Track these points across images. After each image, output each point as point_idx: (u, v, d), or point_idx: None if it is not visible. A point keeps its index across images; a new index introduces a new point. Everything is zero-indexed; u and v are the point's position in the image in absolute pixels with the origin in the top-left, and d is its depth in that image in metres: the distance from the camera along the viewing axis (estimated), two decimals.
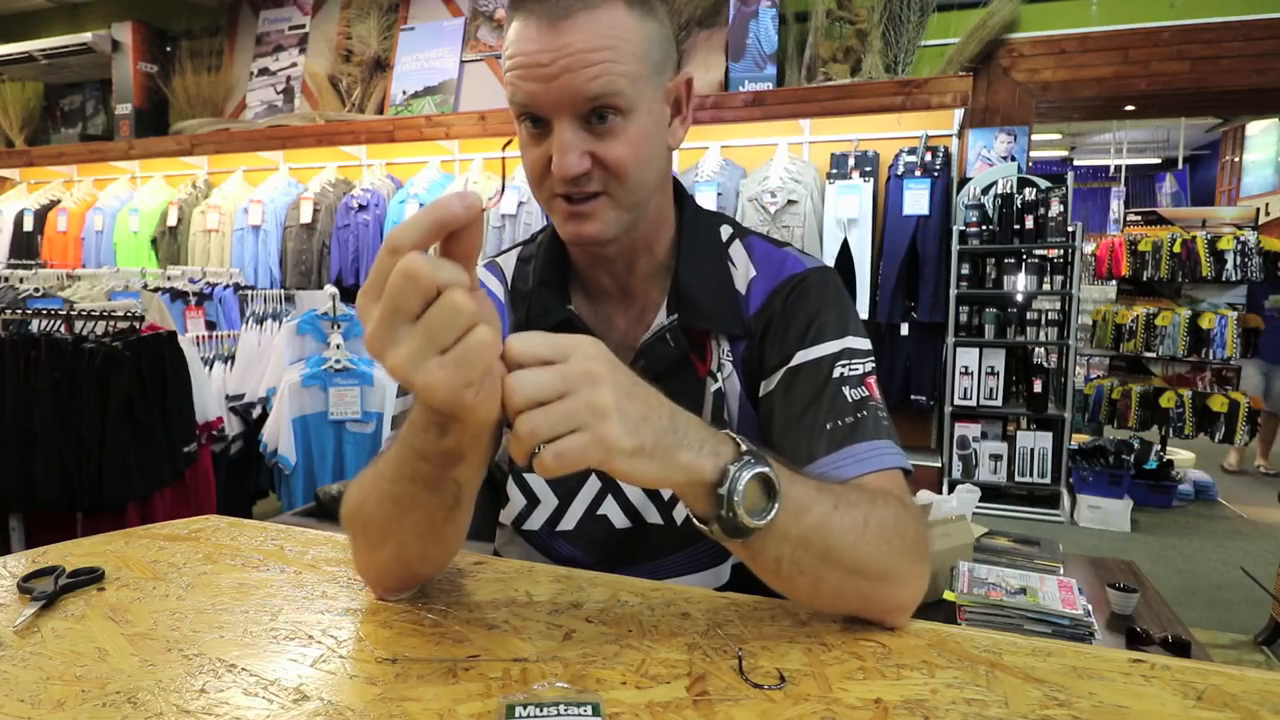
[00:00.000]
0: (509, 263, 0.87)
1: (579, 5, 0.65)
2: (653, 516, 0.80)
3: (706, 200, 3.75)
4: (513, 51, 0.68)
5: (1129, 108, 4.54)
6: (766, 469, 0.54)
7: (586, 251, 0.79)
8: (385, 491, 0.60)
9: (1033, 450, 3.75)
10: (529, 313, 0.82)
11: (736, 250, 0.82)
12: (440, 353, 0.45)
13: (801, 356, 0.74)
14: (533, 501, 0.82)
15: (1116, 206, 10.41)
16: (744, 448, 0.55)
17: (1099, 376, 4.95)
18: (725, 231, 0.84)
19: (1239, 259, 4.05)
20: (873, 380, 0.74)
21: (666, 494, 0.80)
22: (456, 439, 0.53)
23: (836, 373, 0.72)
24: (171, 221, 4.89)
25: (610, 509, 0.80)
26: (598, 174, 0.69)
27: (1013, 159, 3.78)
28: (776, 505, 0.54)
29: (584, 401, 0.48)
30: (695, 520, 0.56)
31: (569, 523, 0.81)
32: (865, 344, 0.75)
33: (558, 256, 0.82)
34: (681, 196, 0.83)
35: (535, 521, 0.82)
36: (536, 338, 0.49)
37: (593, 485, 0.81)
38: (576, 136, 0.68)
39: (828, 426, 0.70)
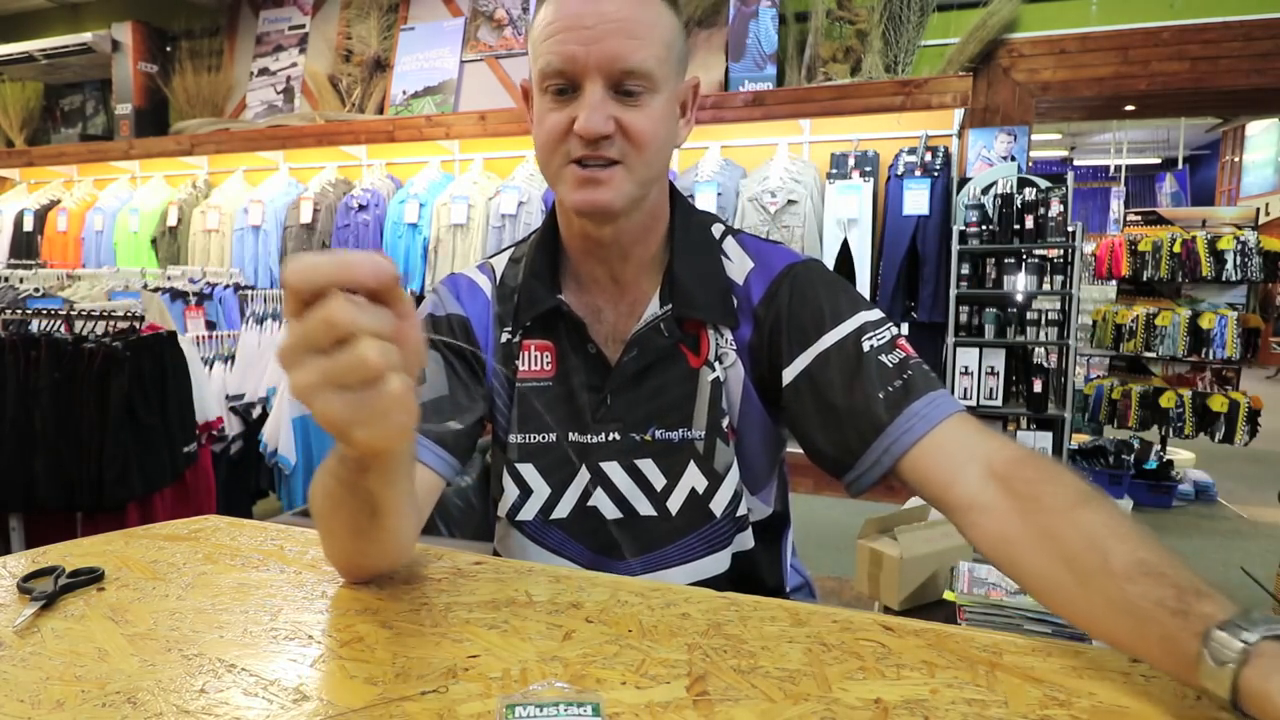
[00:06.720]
0: (500, 262, 0.89)
1: None
2: (645, 508, 0.80)
3: (706, 200, 3.75)
4: (552, 17, 0.70)
5: (1129, 108, 4.54)
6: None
7: (584, 236, 0.79)
8: (324, 484, 0.61)
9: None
10: (518, 302, 0.83)
11: (730, 245, 0.84)
12: (340, 388, 0.43)
13: (825, 341, 0.75)
14: (525, 492, 0.82)
15: (1116, 206, 10.43)
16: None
17: (1099, 376, 4.94)
18: (718, 229, 0.86)
19: (1239, 259, 4.04)
20: (903, 340, 0.76)
21: (658, 484, 0.80)
22: (358, 450, 0.51)
23: (866, 346, 0.74)
24: (171, 221, 4.89)
25: (600, 500, 0.81)
26: (619, 141, 0.71)
27: (1013, 159, 3.78)
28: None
29: None
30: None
31: (562, 511, 0.82)
32: (878, 314, 0.77)
33: (550, 247, 0.84)
34: (675, 195, 0.85)
35: (529, 512, 0.82)
36: None
37: (583, 476, 0.81)
38: (605, 101, 0.70)
39: (880, 395, 0.71)
